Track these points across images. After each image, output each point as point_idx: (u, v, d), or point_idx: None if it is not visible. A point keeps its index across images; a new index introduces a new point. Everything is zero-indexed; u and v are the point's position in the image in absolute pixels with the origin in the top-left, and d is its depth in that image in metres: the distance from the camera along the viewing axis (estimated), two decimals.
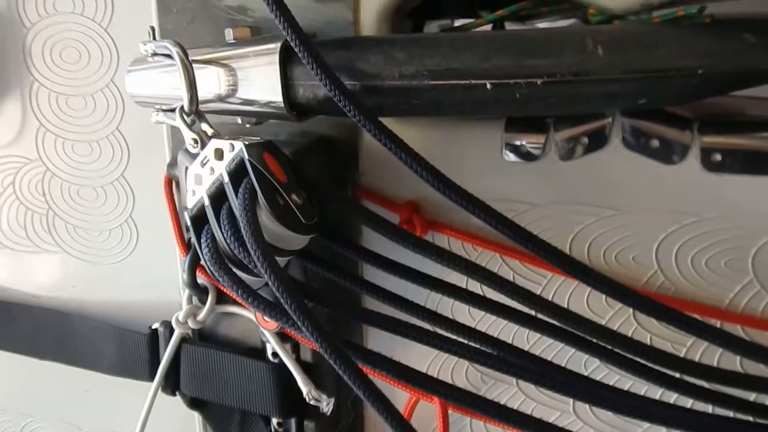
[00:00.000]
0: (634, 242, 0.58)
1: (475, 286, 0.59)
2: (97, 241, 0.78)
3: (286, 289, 0.45)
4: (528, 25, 0.84)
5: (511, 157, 0.59)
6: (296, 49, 0.49)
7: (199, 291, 0.65)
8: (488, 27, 0.67)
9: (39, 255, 0.82)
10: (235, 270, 0.50)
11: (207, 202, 0.51)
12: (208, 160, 0.52)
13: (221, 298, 0.67)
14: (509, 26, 0.74)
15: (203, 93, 0.56)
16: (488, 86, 0.48)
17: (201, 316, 0.67)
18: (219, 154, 0.51)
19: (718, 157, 0.53)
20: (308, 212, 0.51)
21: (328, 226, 0.54)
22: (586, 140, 0.56)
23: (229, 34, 0.58)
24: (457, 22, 0.85)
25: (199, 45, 0.65)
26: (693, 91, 0.48)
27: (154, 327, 0.74)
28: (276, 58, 0.53)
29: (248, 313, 0.67)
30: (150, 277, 0.77)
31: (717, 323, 0.57)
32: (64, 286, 0.81)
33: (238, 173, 0.50)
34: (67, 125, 0.76)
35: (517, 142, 0.58)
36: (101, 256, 0.79)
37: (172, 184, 0.69)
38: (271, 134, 0.65)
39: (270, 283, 0.46)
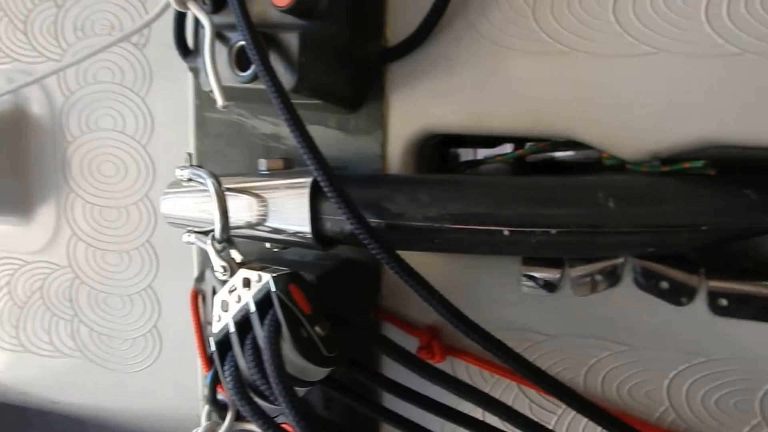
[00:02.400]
0: (646, 378, 0.59)
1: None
2: (120, 349, 0.81)
3: (306, 425, 0.47)
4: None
5: (528, 289, 0.61)
6: (325, 189, 0.52)
7: (219, 408, 0.66)
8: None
9: (61, 360, 0.84)
10: (255, 397, 0.52)
11: (232, 330, 0.53)
12: (235, 288, 0.54)
13: (240, 416, 0.68)
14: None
15: (234, 220, 0.59)
16: (506, 232, 0.51)
17: None
18: (246, 283, 0.54)
19: (724, 302, 0.55)
20: (330, 344, 0.52)
21: (349, 355, 0.56)
22: (599, 278, 0.59)
23: (262, 164, 0.62)
24: (479, 152, 0.90)
25: (233, 168, 0.70)
26: (698, 242, 0.51)
27: None
28: (306, 192, 0.56)
29: None
30: (170, 388, 0.79)
31: None
32: (83, 393, 0.83)
33: (264, 304, 0.52)
34: (99, 235, 0.79)
35: (534, 276, 0.61)
36: (123, 365, 0.81)
37: (198, 298, 0.72)
38: (298, 255, 0.68)
39: (290, 418, 0.47)
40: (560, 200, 0.51)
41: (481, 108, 0.60)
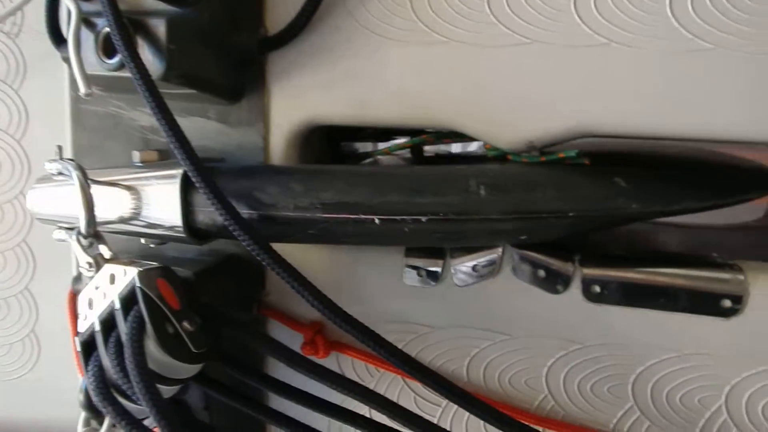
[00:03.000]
0: (526, 366, 0.60)
1: None
2: None
3: (168, 424, 0.45)
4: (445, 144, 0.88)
5: (411, 280, 0.61)
6: (193, 179, 0.50)
7: (95, 413, 0.62)
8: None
9: None
10: (121, 400, 0.49)
11: (98, 328, 0.50)
12: (100, 285, 0.52)
13: None
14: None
15: (106, 214, 0.56)
16: (377, 221, 0.50)
17: None
18: (112, 279, 0.51)
19: (597, 288, 0.56)
20: (199, 340, 0.51)
21: (223, 351, 0.54)
22: (479, 268, 0.59)
23: (136, 157, 0.60)
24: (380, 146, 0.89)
25: (111, 163, 0.67)
26: (568, 229, 0.52)
27: None
28: (177, 184, 0.54)
29: None
30: (51, 395, 0.74)
31: None
32: None
33: (129, 300, 0.50)
34: None
35: (417, 267, 0.60)
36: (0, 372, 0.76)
37: (76, 299, 0.68)
38: (179, 252, 0.66)
39: (152, 417, 0.45)
40: (431, 189, 0.51)
41: (361, 99, 0.59)
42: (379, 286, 0.62)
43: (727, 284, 0.54)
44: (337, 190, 0.51)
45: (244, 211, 0.52)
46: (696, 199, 0.53)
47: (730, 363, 0.55)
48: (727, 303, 0.54)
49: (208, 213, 0.54)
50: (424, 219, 0.49)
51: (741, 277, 0.54)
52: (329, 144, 0.79)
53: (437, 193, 0.50)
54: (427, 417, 0.54)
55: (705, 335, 0.55)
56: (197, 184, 0.50)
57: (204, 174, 0.50)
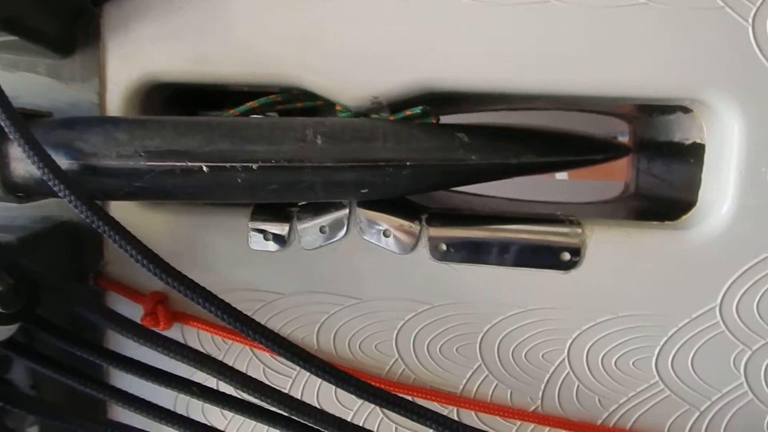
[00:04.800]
0: (376, 330, 0.58)
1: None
2: None
3: None
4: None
5: (257, 245, 0.58)
6: (2, 125, 0.46)
7: None
8: None
9: None
10: None
11: None
12: None
13: None
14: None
15: None
16: (205, 169, 0.47)
17: None
18: None
19: (443, 247, 0.56)
20: (8, 300, 0.46)
21: (39, 316, 0.50)
22: (327, 229, 0.57)
23: None
24: None
25: None
26: (407, 182, 0.50)
27: None
28: None
29: None
30: None
31: (454, 410, 0.58)
32: None
33: None
34: None
35: (262, 230, 0.58)
36: None
37: None
38: (7, 220, 0.60)
39: None
40: (265, 137, 0.48)
41: (201, 53, 0.56)
42: (224, 252, 0.59)
43: (566, 237, 0.54)
44: (163, 138, 0.48)
45: (63, 162, 0.48)
46: (535, 154, 0.54)
47: (572, 316, 0.55)
48: (567, 256, 0.54)
49: (24, 165, 0.49)
50: (254, 166, 0.47)
51: (579, 230, 0.54)
52: (188, 112, 0.75)
53: (271, 141, 0.48)
54: (277, 388, 0.52)
55: (548, 289, 0.55)
56: (7, 130, 0.46)
57: (15, 118, 0.46)
